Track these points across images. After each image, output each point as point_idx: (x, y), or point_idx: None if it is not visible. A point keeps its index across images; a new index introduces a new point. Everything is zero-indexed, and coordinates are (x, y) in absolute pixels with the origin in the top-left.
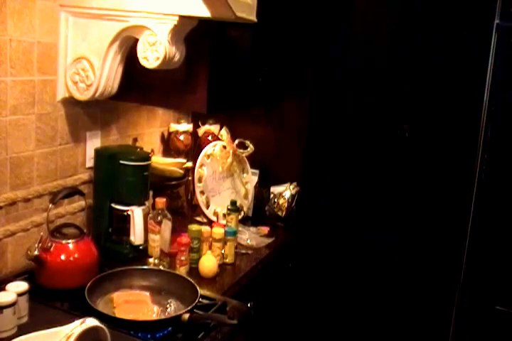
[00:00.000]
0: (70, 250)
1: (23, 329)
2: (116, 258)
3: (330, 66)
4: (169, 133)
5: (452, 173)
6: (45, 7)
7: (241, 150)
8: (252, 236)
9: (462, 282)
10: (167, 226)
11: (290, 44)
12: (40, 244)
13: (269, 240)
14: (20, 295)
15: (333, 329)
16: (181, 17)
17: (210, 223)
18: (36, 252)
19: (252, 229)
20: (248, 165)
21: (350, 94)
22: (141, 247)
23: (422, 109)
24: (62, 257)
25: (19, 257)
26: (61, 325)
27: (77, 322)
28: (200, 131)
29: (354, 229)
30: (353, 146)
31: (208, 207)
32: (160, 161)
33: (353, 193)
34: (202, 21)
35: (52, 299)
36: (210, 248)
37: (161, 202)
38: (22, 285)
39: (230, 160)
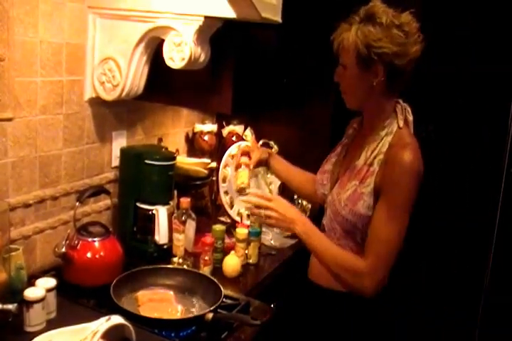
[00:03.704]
0: (96, 248)
1: (51, 324)
2: (141, 256)
3: None
4: (194, 134)
5: (479, 176)
6: (74, 9)
7: None
8: (275, 237)
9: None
10: (191, 225)
11: (315, 44)
12: (67, 242)
13: (293, 241)
14: (48, 291)
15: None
16: (207, 18)
17: (234, 223)
18: (63, 249)
19: (276, 229)
20: None
21: None
22: (165, 246)
23: (448, 108)
24: (89, 255)
25: (47, 254)
26: (88, 321)
27: (103, 319)
28: (225, 131)
29: None
30: None
31: (231, 207)
32: (185, 161)
33: None
34: (227, 22)
35: (78, 296)
36: (233, 248)
37: (185, 201)
38: (50, 281)
39: None
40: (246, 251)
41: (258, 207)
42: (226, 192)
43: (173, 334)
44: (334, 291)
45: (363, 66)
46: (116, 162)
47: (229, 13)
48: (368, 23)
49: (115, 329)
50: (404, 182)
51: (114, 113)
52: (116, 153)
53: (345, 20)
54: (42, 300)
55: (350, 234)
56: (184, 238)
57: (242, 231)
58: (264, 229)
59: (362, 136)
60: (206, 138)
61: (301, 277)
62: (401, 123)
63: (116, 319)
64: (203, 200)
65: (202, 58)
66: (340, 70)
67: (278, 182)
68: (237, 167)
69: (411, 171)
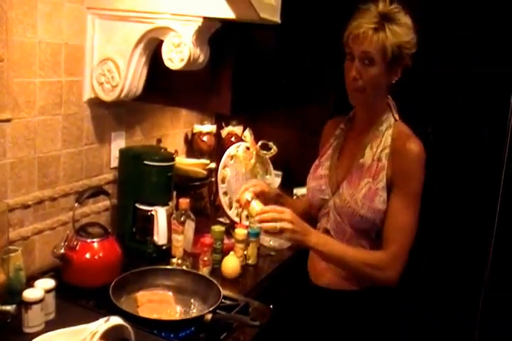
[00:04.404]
0: (95, 249)
1: (50, 326)
2: (140, 257)
3: None
4: (193, 134)
5: (478, 176)
6: (72, 10)
7: (264, 152)
8: (274, 238)
9: (487, 283)
10: (190, 226)
11: (314, 44)
12: (66, 243)
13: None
14: (47, 292)
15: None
16: (205, 18)
17: (233, 224)
18: (62, 250)
19: None
20: (271, 167)
21: None
22: (164, 247)
23: (447, 109)
24: (87, 256)
25: (46, 255)
26: (87, 322)
27: (102, 320)
28: (224, 132)
29: None
30: None
31: (230, 208)
32: (184, 162)
33: None
34: (226, 22)
35: (77, 297)
36: (232, 249)
37: (184, 202)
38: (49, 282)
39: (253, 161)
40: (245, 252)
41: (265, 221)
42: (225, 193)
43: (172, 335)
44: (332, 290)
45: (391, 65)
46: (115, 163)
47: (228, 13)
48: (393, 24)
49: (114, 330)
50: (416, 170)
51: (113, 114)
52: (115, 153)
53: (363, 18)
54: (41, 301)
55: (363, 232)
56: (183, 239)
57: (241, 232)
58: None
59: (357, 134)
60: (205, 138)
61: (300, 278)
62: (396, 116)
63: (115, 320)
64: (202, 201)
65: (201, 59)
66: (360, 67)
67: (277, 183)
68: (246, 205)
69: (420, 159)
